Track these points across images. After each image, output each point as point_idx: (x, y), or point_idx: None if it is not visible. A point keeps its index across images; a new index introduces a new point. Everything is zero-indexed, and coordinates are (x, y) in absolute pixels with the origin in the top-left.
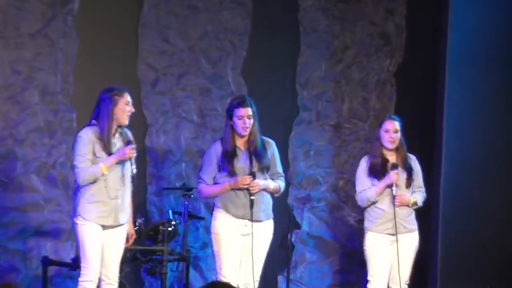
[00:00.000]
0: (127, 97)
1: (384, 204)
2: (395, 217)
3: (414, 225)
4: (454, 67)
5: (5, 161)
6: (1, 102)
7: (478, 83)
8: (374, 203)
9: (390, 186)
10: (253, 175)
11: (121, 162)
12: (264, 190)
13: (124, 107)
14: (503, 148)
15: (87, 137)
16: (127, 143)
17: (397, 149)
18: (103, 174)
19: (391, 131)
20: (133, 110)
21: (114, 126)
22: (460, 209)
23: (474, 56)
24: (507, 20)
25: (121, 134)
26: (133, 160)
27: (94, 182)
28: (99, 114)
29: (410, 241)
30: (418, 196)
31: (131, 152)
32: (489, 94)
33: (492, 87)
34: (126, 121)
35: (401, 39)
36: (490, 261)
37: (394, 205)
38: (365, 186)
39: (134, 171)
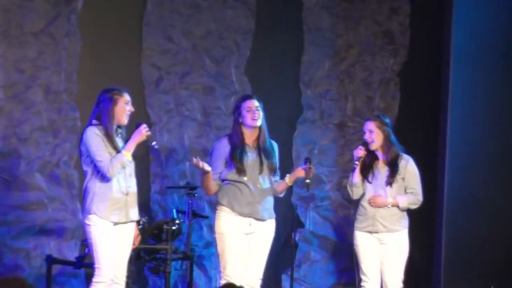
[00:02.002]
0: (127, 97)
1: (365, 201)
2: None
3: (399, 226)
4: (458, 66)
5: (9, 159)
6: (5, 101)
7: (482, 81)
8: (356, 186)
9: (372, 166)
10: (309, 161)
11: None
12: (288, 183)
13: (124, 106)
14: (507, 146)
15: (96, 132)
16: (137, 125)
17: (382, 148)
18: (129, 161)
19: (366, 131)
20: (132, 109)
21: (115, 126)
22: (464, 208)
23: (478, 55)
24: (510, 18)
25: (121, 134)
26: (151, 138)
27: (104, 180)
28: (100, 114)
29: (393, 242)
30: (404, 198)
31: (146, 129)
32: (493, 93)
33: (496, 86)
34: (125, 121)
35: (405, 38)
36: (494, 260)
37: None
38: None
39: (156, 146)
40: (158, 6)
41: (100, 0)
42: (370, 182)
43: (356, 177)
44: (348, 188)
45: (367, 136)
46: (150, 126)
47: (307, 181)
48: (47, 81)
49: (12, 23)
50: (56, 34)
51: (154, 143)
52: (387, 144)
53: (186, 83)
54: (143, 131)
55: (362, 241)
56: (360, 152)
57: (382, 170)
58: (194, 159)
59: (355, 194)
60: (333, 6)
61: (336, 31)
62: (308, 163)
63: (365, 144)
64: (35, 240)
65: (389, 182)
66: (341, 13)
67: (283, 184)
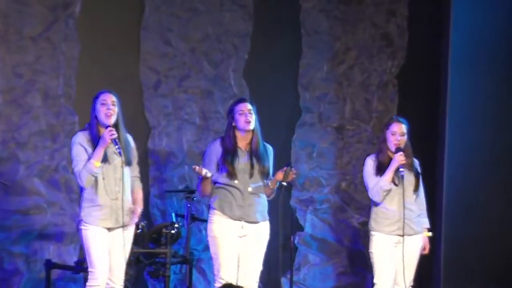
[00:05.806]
0: (102, 97)
1: (393, 204)
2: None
3: (420, 227)
4: (456, 68)
5: (8, 164)
6: (3, 105)
7: (480, 84)
8: (389, 191)
9: (397, 169)
10: (290, 165)
11: (116, 165)
12: (271, 186)
13: (99, 108)
14: (506, 149)
15: (78, 141)
16: (105, 128)
17: (405, 152)
18: (96, 167)
19: (398, 133)
20: (109, 109)
21: (103, 129)
22: (463, 210)
23: (476, 57)
24: (508, 20)
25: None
26: (117, 141)
27: (93, 185)
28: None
29: (416, 243)
30: (425, 219)
31: (110, 133)
32: (492, 95)
33: (495, 88)
34: (108, 122)
35: (403, 41)
36: (493, 262)
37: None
38: (376, 181)
39: (119, 150)
40: (155, 10)
41: (98, 4)
42: (396, 185)
43: (391, 182)
44: (381, 193)
45: (400, 140)
46: (148, 130)
47: (283, 183)
48: (46, 85)
49: (10, 27)
50: (54, 39)
51: (117, 146)
52: (407, 147)
53: (185, 87)
54: (107, 137)
55: (383, 244)
56: (401, 157)
57: (405, 174)
58: (197, 167)
59: (384, 198)
60: (331, 9)
61: (334, 34)
62: (288, 167)
63: (400, 149)
64: (34, 245)
65: (417, 188)
66: (339, 16)
67: (267, 188)
